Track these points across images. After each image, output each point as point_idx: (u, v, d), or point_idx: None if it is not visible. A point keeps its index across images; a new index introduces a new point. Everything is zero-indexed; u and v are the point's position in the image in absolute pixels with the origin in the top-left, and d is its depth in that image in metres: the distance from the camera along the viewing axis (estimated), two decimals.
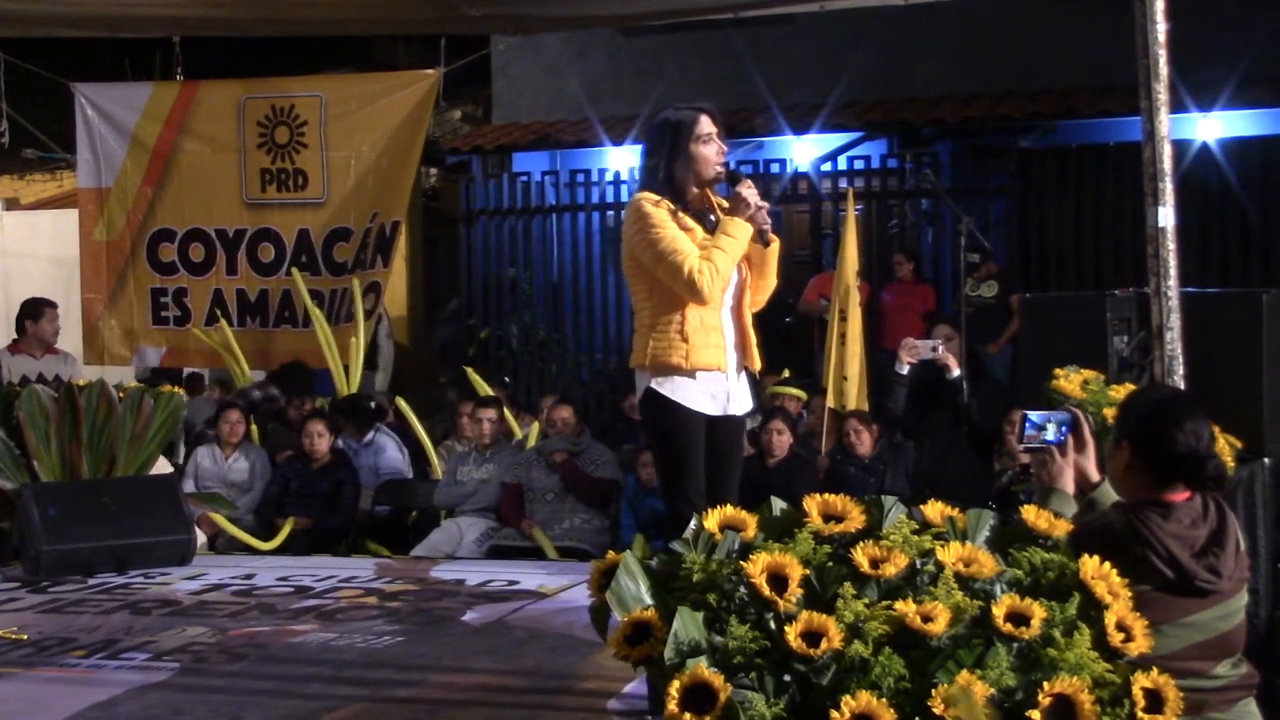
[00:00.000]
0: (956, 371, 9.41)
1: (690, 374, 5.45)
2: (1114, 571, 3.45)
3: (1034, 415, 4.17)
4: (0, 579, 7.15)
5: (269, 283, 11.93)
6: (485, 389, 10.78)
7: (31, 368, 9.43)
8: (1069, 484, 4.09)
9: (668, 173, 5.48)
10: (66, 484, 7.60)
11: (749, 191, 5.47)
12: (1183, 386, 5.45)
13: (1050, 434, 4.13)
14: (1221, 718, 3.81)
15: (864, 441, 8.83)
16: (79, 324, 12.88)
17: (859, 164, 14.14)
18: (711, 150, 5.52)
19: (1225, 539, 3.84)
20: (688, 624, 3.30)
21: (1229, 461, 5.22)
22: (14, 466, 7.52)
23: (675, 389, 5.46)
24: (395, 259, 11.82)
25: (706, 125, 5.53)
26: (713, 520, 3.55)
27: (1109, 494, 4.07)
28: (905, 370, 9.29)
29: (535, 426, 9.95)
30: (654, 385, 5.46)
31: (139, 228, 12.25)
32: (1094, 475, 4.12)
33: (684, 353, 5.43)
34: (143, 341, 12.32)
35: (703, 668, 3.19)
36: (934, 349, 9.13)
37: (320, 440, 9.64)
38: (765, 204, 5.54)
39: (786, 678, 3.24)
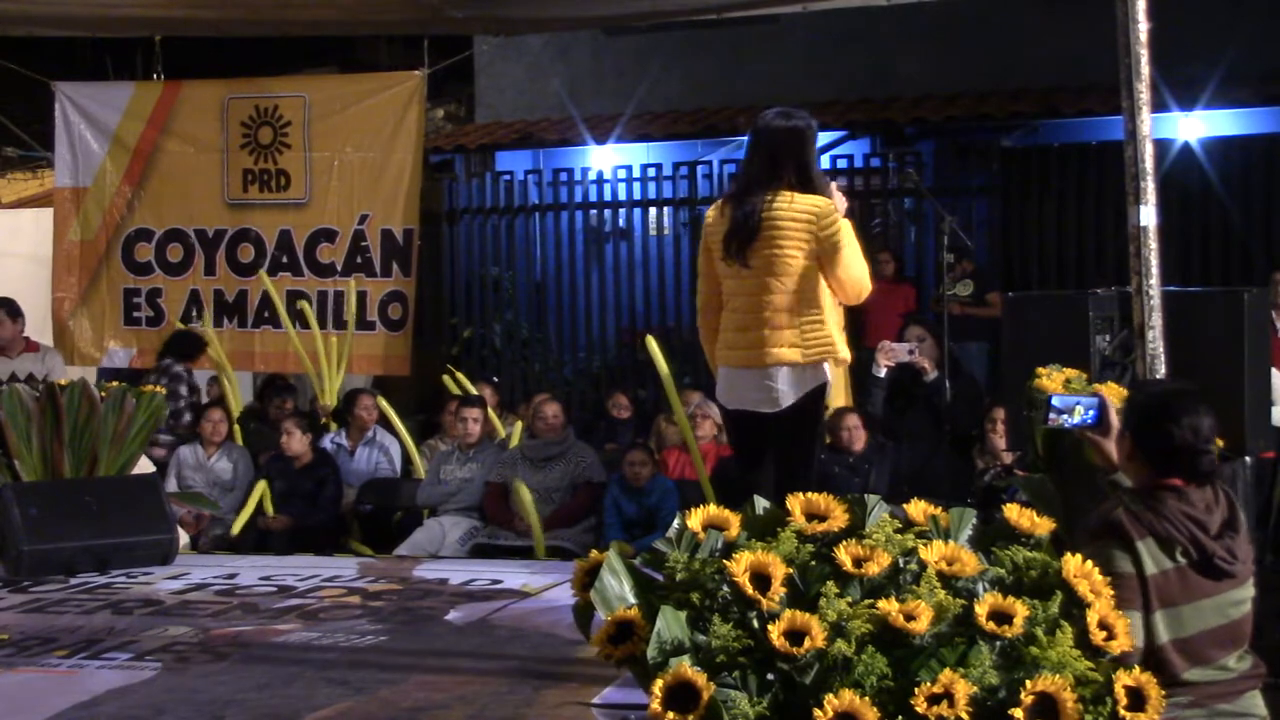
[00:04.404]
0: (933, 374, 9.45)
1: None
2: (1096, 570, 3.47)
3: (1057, 399, 4.39)
4: None
5: (248, 283, 11.88)
6: (470, 388, 10.77)
7: (4, 368, 9.39)
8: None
9: (818, 177, 5.87)
10: (48, 483, 7.57)
11: (840, 195, 5.96)
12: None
13: (1076, 417, 4.32)
14: (1229, 708, 3.92)
15: (860, 439, 8.78)
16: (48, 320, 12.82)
17: (842, 163, 14.13)
18: None
19: (1238, 525, 3.97)
20: (671, 623, 3.30)
21: None
22: None
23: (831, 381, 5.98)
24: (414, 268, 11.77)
25: None
26: (696, 519, 3.56)
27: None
28: (882, 373, 9.33)
29: (518, 426, 9.95)
30: (828, 379, 5.90)
31: (115, 227, 12.20)
32: (1117, 457, 4.27)
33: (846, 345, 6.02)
34: (113, 342, 12.27)
35: (686, 666, 3.20)
36: (910, 352, 9.18)
37: (290, 439, 9.64)
38: None
39: (770, 676, 3.24)
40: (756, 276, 5.78)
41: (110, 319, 12.27)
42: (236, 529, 8.94)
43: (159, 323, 12.11)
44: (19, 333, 9.91)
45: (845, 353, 5.95)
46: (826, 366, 5.82)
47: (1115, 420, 4.32)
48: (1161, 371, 5.54)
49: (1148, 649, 3.77)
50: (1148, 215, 5.61)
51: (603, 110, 15.26)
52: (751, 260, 5.77)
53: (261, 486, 9.35)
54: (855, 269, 5.80)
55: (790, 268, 5.72)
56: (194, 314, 11.95)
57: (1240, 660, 3.94)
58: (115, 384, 7.95)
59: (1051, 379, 5.37)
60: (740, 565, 3.32)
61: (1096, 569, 3.47)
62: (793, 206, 5.72)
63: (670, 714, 3.15)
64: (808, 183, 5.78)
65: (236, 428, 10.50)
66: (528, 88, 16.56)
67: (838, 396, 9.47)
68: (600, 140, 14.66)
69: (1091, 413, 4.32)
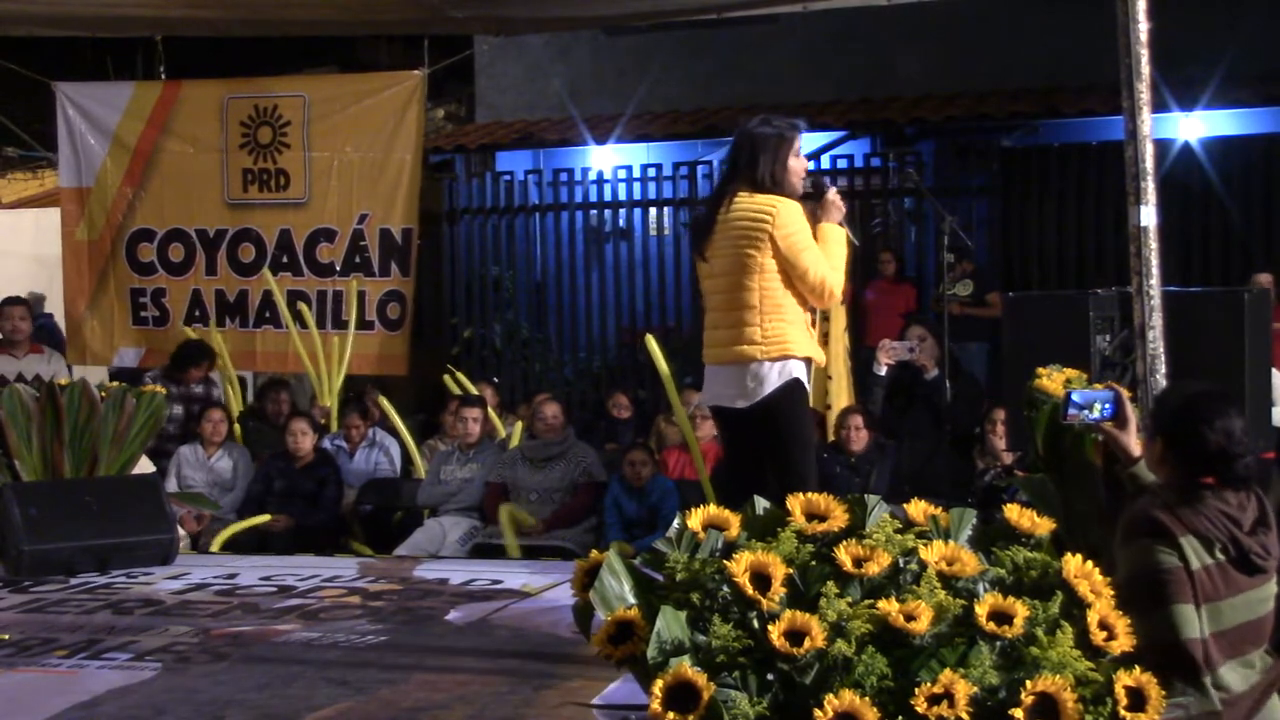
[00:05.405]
0: (934, 372, 9.45)
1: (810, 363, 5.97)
2: (1096, 570, 3.47)
3: (1077, 394, 4.43)
4: None
5: (248, 283, 11.89)
6: (470, 388, 10.77)
7: (11, 368, 9.40)
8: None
9: (775, 180, 5.81)
10: (48, 483, 7.58)
11: (838, 199, 5.98)
12: (1164, 385, 5.47)
13: (1096, 412, 4.38)
14: None
15: (861, 439, 8.77)
16: (61, 322, 12.85)
17: (842, 163, 14.13)
18: (801, 165, 5.91)
19: (1268, 521, 4.00)
20: (671, 623, 3.30)
21: None
22: None
23: (805, 378, 5.90)
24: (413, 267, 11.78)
25: (799, 142, 5.92)
26: (696, 519, 3.56)
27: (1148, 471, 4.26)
28: (883, 372, 9.34)
29: (519, 426, 9.94)
30: (799, 375, 5.81)
31: (119, 228, 12.19)
32: (1135, 450, 4.30)
33: (815, 345, 5.96)
34: (122, 342, 12.27)
35: (686, 667, 3.20)
36: (910, 350, 9.18)
37: (304, 439, 9.63)
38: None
39: (770, 676, 3.24)
40: (724, 275, 5.86)
41: (119, 319, 12.28)
42: (221, 539, 8.90)
43: (165, 323, 12.11)
44: (29, 333, 9.93)
45: (810, 351, 5.88)
46: (795, 364, 5.80)
47: (1131, 413, 4.36)
48: (1162, 371, 5.54)
49: None
50: (1148, 215, 5.61)
51: (603, 110, 15.26)
52: (713, 258, 5.88)
53: (261, 519, 9.28)
54: (815, 272, 5.74)
55: (750, 266, 5.77)
56: (196, 315, 11.96)
57: (1263, 658, 3.97)
58: (115, 384, 7.95)
59: (1051, 379, 5.38)
60: (740, 565, 3.32)
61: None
62: (747, 206, 5.78)
63: (670, 714, 3.14)
64: (772, 185, 5.80)
65: (237, 427, 10.50)
66: (528, 88, 16.56)
67: (840, 396, 9.50)
68: (600, 140, 14.66)
69: (1108, 406, 4.37)
